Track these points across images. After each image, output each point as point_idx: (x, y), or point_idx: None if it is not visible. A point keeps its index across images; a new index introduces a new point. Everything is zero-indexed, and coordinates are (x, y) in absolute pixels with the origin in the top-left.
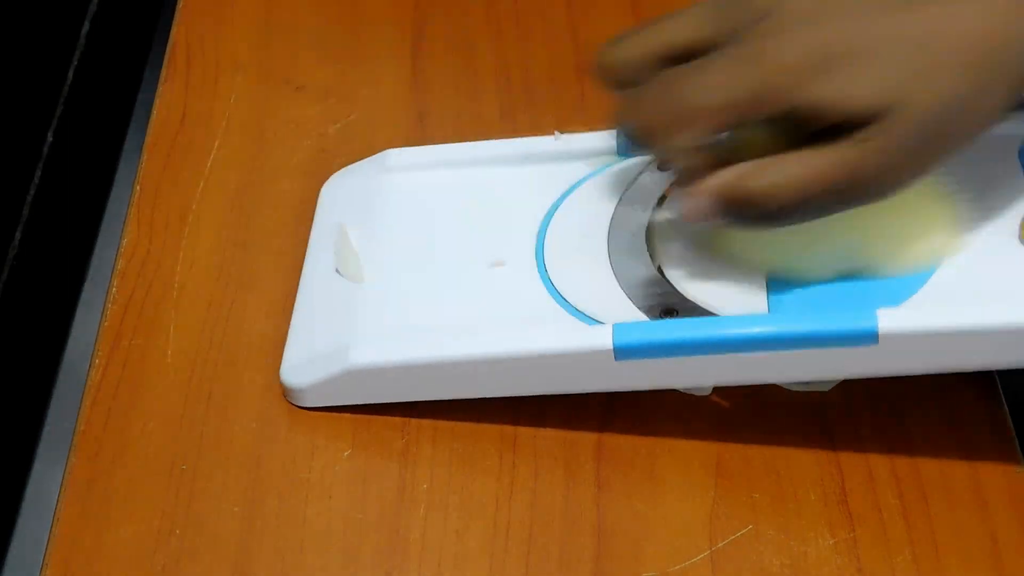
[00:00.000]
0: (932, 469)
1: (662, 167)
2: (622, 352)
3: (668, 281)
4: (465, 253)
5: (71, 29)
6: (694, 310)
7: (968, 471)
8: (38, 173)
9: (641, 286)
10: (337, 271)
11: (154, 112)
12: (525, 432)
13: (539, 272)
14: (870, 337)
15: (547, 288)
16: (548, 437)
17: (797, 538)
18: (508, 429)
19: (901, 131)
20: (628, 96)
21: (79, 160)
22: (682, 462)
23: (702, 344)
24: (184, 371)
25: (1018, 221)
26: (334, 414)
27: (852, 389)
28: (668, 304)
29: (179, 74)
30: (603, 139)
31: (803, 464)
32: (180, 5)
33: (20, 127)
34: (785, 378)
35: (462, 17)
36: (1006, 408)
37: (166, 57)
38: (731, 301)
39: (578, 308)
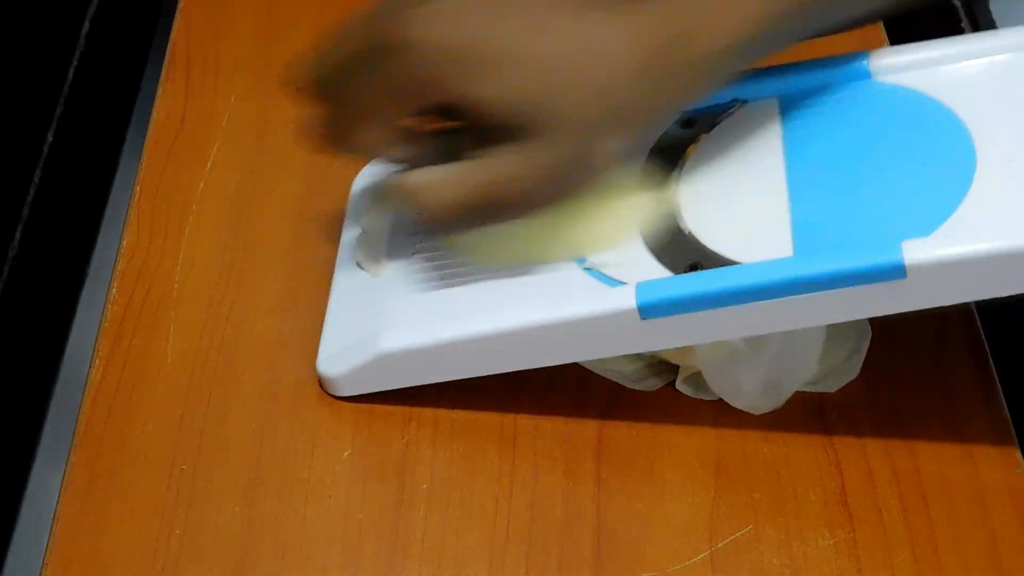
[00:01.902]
0: (932, 469)
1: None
2: (647, 311)
3: (694, 237)
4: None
5: (71, 29)
6: (720, 263)
7: (968, 471)
8: (38, 173)
9: (667, 245)
10: (359, 265)
11: (154, 112)
12: (525, 432)
13: None
14: (897, 271)
15: (577, 259)
16: (548, 437)
17: (797, 538)
18: (508, 429)
19: (548, 147)
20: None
21: (79, 160)
22: (682, 462)
23: (726, 295)
24: (184, 371)
25: None
26: (334, 414)
27: (852, 389)
28: (694, 260)
29: (179, 74)
30: None
31: (803, 464)
32: (180, 5)
33: (20, 127)
34: (818, 321)
35: None
36: (1006, 408)
37: (166, 57)
38: (757, 250)
39: (605, 273)
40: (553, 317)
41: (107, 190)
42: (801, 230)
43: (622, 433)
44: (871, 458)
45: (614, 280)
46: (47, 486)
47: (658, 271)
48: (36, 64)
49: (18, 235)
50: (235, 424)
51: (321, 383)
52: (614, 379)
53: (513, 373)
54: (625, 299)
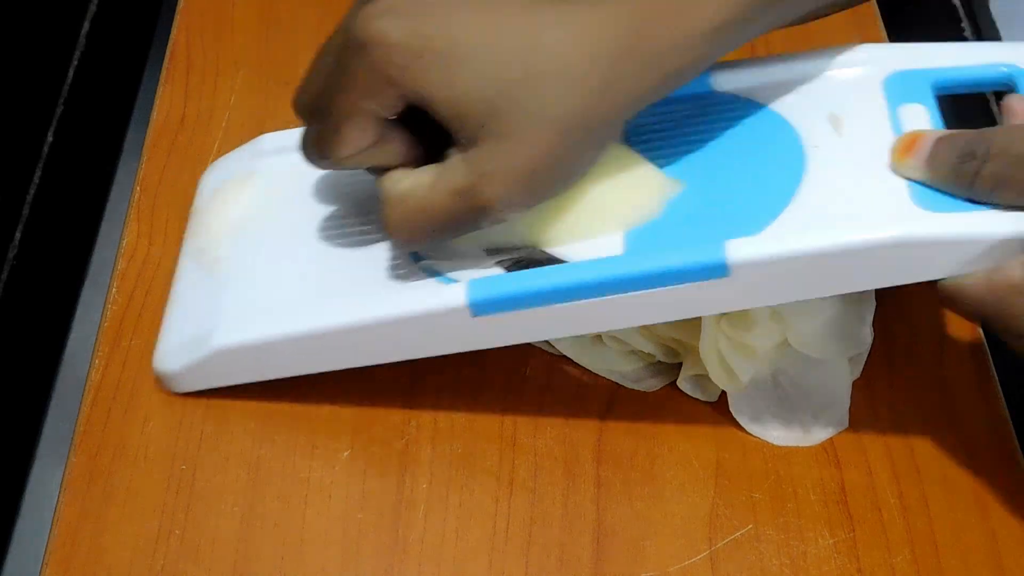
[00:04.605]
0: (932, 469)
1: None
2: (478, 307)
3: (531, 239)
4: (332, 228)
5: (71, 29)
6: (552, 262)
7: (968, 471)
8: (38, 173)
9: (505, 247)
10: (196, 263)
11: (154, 112)
12: (525, 432)
13: None
14: (720, 269)
15: (410, 256)
16: (548, 437)
17: (797, 538)
18: (508, 429)
19: (523, 144)
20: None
21: (79, 160)
22: (682, 462)
23: (554, 292)
24: None
25: (884, 148)
26: (334, 414)
27: (852, 389)
28: (527, 259)
29: (179, 74)
30: None
31: (803, 464)
32: (180, 5)
33: (20, 127)
34: (648, 320)
35: None
36: (1006, 408)
37: (166, 57)
38: (589, 251)
39: (442, 272)
40: (386, 314)
41: (107, 190)
42: (634, 232)
43: (622, 433)
44: (871, 458)
45: (448, 278)
46: (47, 486)
47: (492, 269)
48: (36, 64)
49: (18, 235)
50: (234, 424)
51: (158, 380)
52: (614, 379)
53: (513, 373)
54: (456, 296)
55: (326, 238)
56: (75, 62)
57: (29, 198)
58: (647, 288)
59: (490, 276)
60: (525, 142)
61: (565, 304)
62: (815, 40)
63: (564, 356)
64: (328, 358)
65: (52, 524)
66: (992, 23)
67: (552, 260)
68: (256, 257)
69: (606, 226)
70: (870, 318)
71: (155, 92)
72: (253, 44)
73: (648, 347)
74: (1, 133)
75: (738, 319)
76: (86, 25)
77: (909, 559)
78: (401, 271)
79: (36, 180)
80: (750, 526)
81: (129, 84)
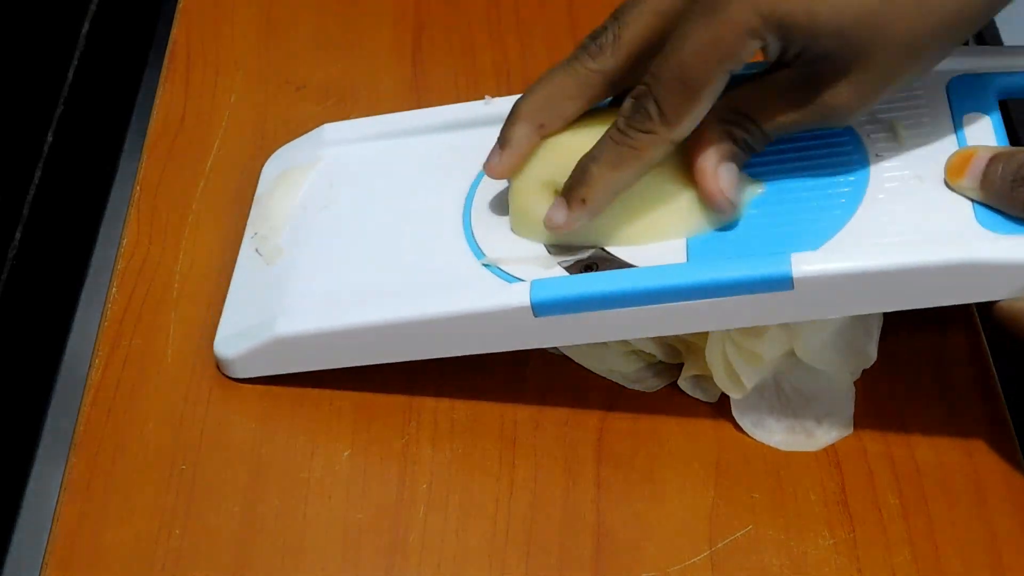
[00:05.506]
0: (932, 469)
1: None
2: (541, 308)
3: (595, 239)
4: (395, 221)
5: (71, 29)
6: (615, 265)
7: (968, 471)
8: (38, 173)
9: (565, 245)
10: (256, 251)
11: (154, 112)
12: (525, 432)
13: (466, 236)
14: (785, 282)
15: (473, 252)
16: (548, 437)
17: (797, 538)
18: (508, 429)
19: (876, 66)
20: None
21: (79, 160)
22: (682, 462)
23: (618, 297)
24: (184, 371)
25: (943, 162)
26: (334, 414)
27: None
28: (590, 261)
29: (179, 74)
30: None
31: (803, 464)
32: (180, 5)
33: (20, 127)
34: (707, 327)
35: (462, 17)
36: (1006, 408)
37: (166, 57)
38: (652, 255)
39: (504, 270)
40: (450, 310)
41: (107, 190)
42: (696, 238)
43: (622, 433)
44: (871, 458)
45: (512, 276)
46: (47, 486)
47: (556, 272)
48: (36, 64)
49: (18, 235)
50: (235, 424)
51: (218, 365)
52: (614, 379)
53: (513, 374)
54: (520, 296)
55: (387, 230)
56: (75, 62)
57: (29, 198)
58: (709, 297)
59: (554, 277)
60: (890, 67)
61: (626, 309)
62: None
63: (564, 356)
64: (386, 350)
65: (52, 524)
66: (993, 25)
67: (613, 261)
68: (317, 247)
69: (670, 230)
70: (877, 333)
71: (155, 92)
72: (253, 44)
73: (649, 347)
74: (1, 133)
75: (748, 327)
76: (86, 25)
77: (909, 559)
78: (463, 266)
79: (36, 180)
80: (750, 526)
81: (129, 84)
